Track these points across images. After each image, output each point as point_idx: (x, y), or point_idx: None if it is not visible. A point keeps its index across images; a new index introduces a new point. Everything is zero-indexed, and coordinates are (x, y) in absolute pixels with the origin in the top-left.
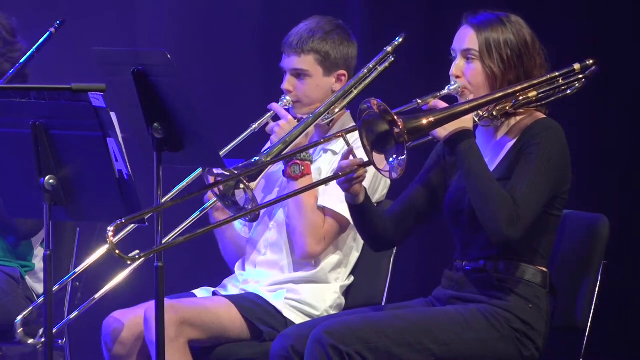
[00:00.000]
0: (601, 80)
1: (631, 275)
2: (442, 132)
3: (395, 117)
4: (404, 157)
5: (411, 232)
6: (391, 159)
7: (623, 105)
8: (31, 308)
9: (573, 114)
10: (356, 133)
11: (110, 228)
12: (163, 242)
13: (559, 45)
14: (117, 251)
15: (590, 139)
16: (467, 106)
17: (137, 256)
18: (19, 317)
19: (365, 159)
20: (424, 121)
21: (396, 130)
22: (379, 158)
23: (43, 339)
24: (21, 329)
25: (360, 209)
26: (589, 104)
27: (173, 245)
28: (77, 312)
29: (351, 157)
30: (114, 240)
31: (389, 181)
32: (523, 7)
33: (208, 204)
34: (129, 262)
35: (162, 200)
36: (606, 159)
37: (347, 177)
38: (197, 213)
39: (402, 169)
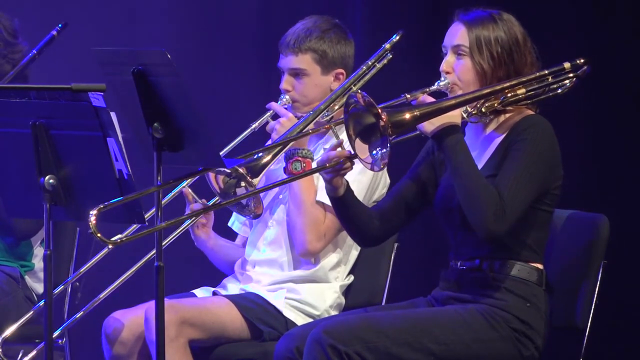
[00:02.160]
0: (601, 79)
1: (631, 275)
2: (429, 126)
3: (380, 111)
4: (386, 150)
5: (398, 229)
6: (374, 152)
7: (624, 105)
8: (15, 327)
9: (573, 113)
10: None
11: (94, 212)
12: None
13: (554, 44)
14: (98, 234)
15: (590, 138)
16: (453, 101)
17: (118, 240)
18: (1, 337)
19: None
20: (409, 115)
21: (381, 123)
22: (363, 149)
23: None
24: (0, 349)
25: (341, 201)
26: (589, 103)
27: (151, 232)
28: (81, 313)
29: (339, 149)
30: (95, 225)
31: (388, 180)
32: (518, 5)
33: (212, 201)
34: (110, 246)
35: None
36: (606, 159)
37: (334, 167)
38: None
39: (385, 163)
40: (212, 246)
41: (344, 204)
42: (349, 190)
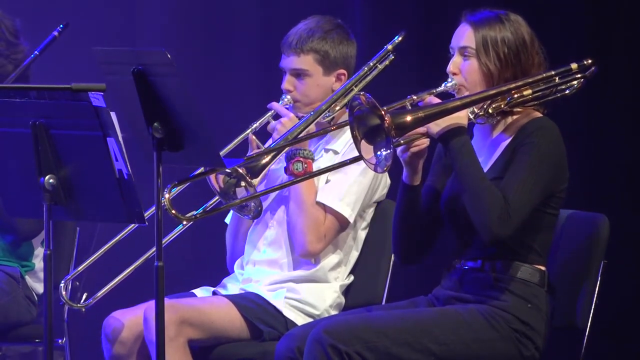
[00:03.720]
0: (602, 79)
1: (631, 275)
2: (435, 127)
3: (383, 113)
4: (390, 151)
5: (434, 241)
6: (379, 152)
7: (624, 105)
8: (76, 272)
9: (573, 113)
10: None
11: (168, 188)
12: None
13: (562, 45)
14: (173, 211)
15: (590, 138)
16: (458, 102)
17: (193, 216)
18: (63, 281)
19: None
20: (412, 117)
21: (385, 125)
22: (368, 149)
23: (90, 300)
24: (64, 292)
25: (414, 191)
26: (589, 103)
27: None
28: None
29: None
30: (169, 199)
31: (389, 180)
32: (525, 5)
33: (209, 204)
34: (184, 222)
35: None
36: (606, 159)
37: (406, 145)
38: (200, 211)
39: (389, 164)
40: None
41: (414, 195)
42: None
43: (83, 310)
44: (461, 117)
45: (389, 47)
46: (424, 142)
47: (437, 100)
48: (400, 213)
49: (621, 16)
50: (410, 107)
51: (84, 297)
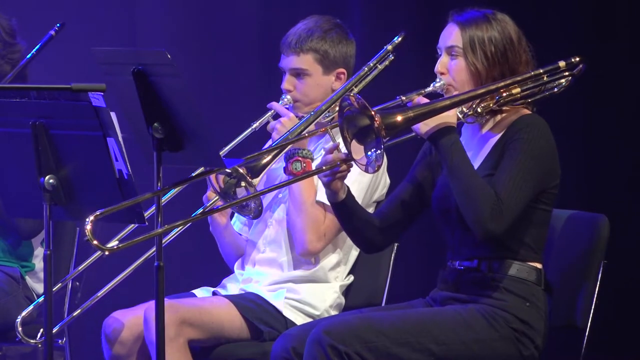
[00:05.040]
0: (602, 78)
1: (631, 275)
2: (424, 127)
3: (373, 113)
4: (380, 151)
5: (401, 233)
6: (369, 153)
7: (623, 104)
8: (31, 307)
9: (573, 112)
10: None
11: (90, 219)
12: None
13: (550, 43)
14: (94, 241)
15: (590, 138)
16: (447, 102)
17: (115, 247)
18: (19, 317)
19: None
20: (402, 117)
21: (375, 125)
22: (358, 150)
23: (44, 338)
24: (21, 328)
25: (341, 206)
26: (589, 103)
27: (149, 237)
28: (79, 311)
29: (336, 152)
30: (92, 231)
31: (388, 180)
32: (517, 5)
33: (209, 203)
34: (106, 253)
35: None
36: (606, 159)
37: (331, 170)
38: (200, 211)
39: (379, 165)
40: (224, 230)
41: (344, 209)
42: (349, 195)
43: (39, 346)
44: (450, 117)
45: (389, 47)
46: (346, 169)
47: (426, 101)
48: (343, 226)
49: (621, 14)
50: (398, 108)
51: (40, 332)
